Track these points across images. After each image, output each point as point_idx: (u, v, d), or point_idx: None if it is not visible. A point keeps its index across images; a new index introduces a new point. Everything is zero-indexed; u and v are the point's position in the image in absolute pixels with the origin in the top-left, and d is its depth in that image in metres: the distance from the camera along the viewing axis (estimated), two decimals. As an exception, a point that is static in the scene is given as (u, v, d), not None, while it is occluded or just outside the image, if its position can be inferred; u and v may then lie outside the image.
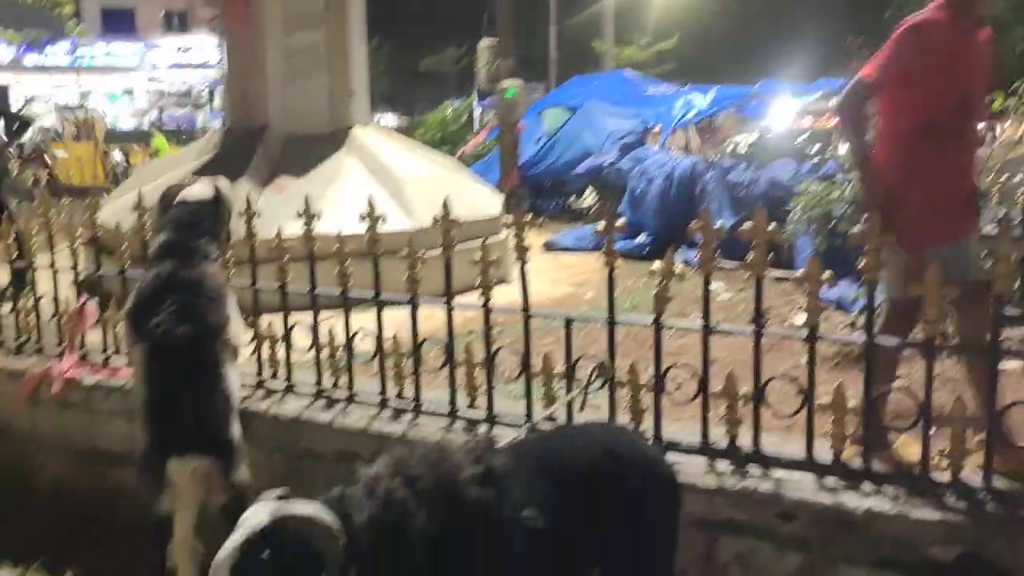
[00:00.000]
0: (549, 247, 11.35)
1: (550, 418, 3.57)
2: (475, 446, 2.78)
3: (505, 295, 4.00)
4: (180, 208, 3.78)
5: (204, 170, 8.88)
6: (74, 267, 4.80)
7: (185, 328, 3.44)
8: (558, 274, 9.74)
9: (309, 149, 9.03)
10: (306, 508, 2.41)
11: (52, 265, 4.87)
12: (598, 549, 2.85)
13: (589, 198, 14.38)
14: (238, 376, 3.69)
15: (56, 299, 4.87)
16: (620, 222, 3.47)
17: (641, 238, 11.06)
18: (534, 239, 12.03)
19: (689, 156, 13.63)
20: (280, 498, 2.52)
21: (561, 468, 2.79)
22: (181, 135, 25.46)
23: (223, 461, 3.39)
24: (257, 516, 2.41)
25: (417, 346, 3.88)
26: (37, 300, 4.98)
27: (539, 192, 15.78)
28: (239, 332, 3.75)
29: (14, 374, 4.81)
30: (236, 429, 3.52)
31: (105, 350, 4.74)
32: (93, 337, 4.83)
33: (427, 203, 4.05)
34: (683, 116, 16.79)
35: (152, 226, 4.17)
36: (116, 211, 6.87)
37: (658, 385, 3.44)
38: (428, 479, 2.61)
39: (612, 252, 3.47)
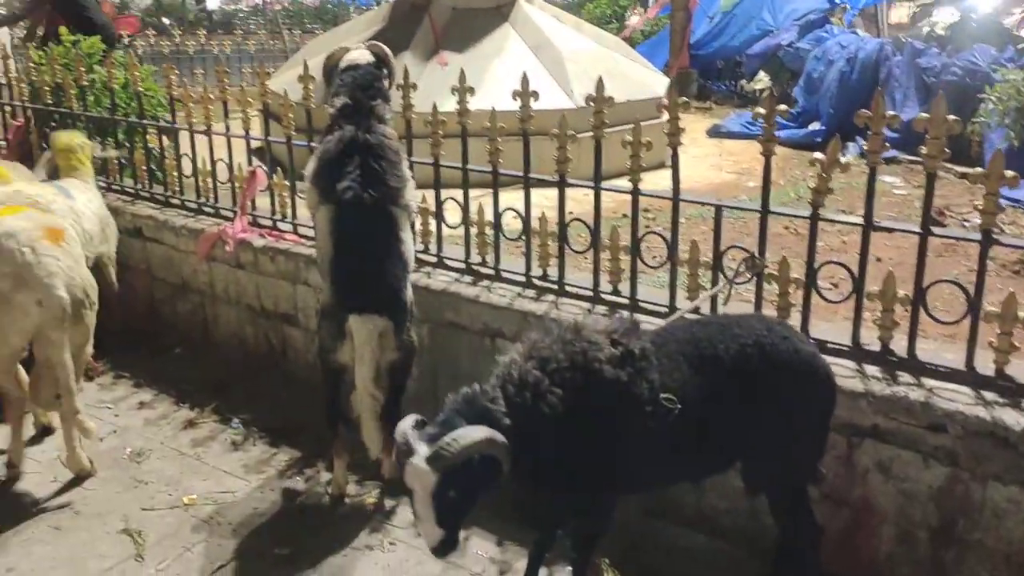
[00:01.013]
0: (714, 132, 10.91)
1: (695, 310, 3.51)
2: (616, 327, 2.77)
3: (664, 181, 3.86)
4: (352, 72, 3.85)
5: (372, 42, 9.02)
6: (247, 134, 5.04)
7: (371, 192, 3.57)
8: (721, 161, 9.40)
9: (474, 22, 8.96)
10: (458, 438, 2.42)
11: (227, 131, 5.13)
12: (741, 442, 2.81)
13: (762, 81, 13.63)
14: (412, 240, 3.82)
15: (230, 164, 5.15)
16: (781, 107, 3.25)
17: (814, 126, 10.46)
18: (699, 123, 11.61)
19: (877, 37, 12.61)
20: (418, 426, 2.57)
21: (707, 356, 2.74)
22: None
23: (397, 321, 3.55)
24: (420, 469, 2.42)
25: (563, 227, 3.86)
26: (214, 164, 5.28)
27: (709, 73, 15.11)
28: (414, 195, 3.87)
29: (194, 232, 5.18)
30: (409, 292, 3.67)
31: (273, 215, 5.00)
32: (262, 202, 5.10)
33: (588, 82, 3.91)
34: (875, -8, 15.48)
35: (319, 91, 4.24)
36: (285, 81, 7.12)
37: (809, 281, 3.29)
38: (562, 360, 2.64)
39: (771, 138, 3.28)
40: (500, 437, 2.48)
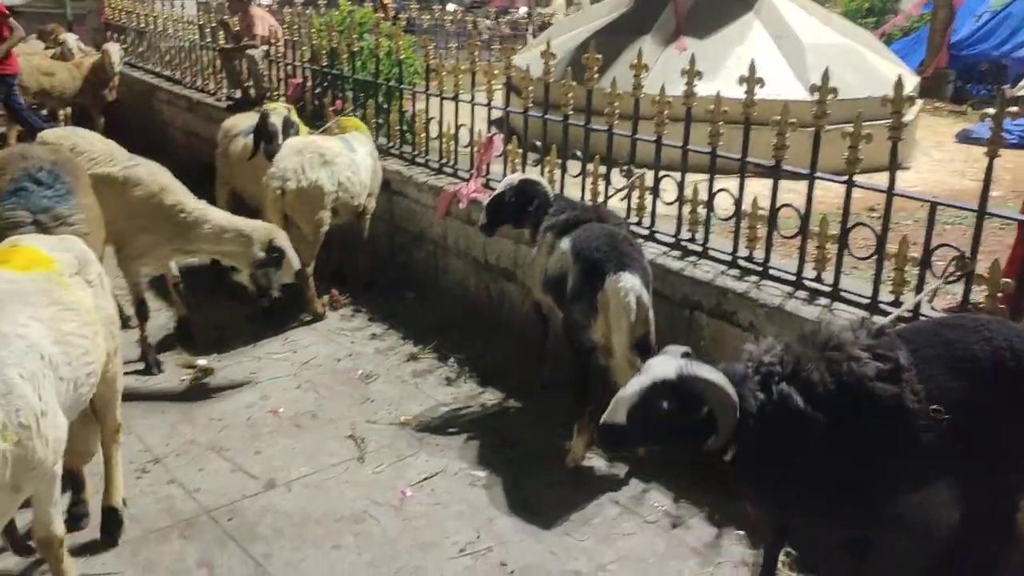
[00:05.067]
0: (964, 137, 10.28)
1: (897, 304, 3.54)
2: (873, 341, 2.70)
3: (898, 182, 3.79)
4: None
5: (614, 25, 9.31)
6: (489, 103, 5.51)
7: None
8: (965, 167, 8.88)
9: (718, 9, 9.02)
10: (713, 374, 2.59)
11: (472, 100, 5.62)
12: (983, 445, 2.73)
13: (1029, 87, 12.58)
14: None
15: (471, 130, 5.64)
16: (1012, 108, 3.20)
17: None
18: (949, 127, 10.97)
19: None
20: (685, 355, 2.75)
21: (963, 358, 2.69)
22: None
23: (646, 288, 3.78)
24: (664, 367, 2.66)
25: (774, 211, 3.99)
26: (457, 129, 5.80)
27: (969, 75, 14.13)
28: None
29: (433, 189, 5.74)
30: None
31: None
32: (496, 167, 5.55)
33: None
34: None
35: (559, 68, 4.53)
36: (529, 57, 7.56)
37: (1021, 285, 3.23)
38: (827, 378, 2.62)
39: (997, 139, 3.25)
40: (735, 400, 2.55)
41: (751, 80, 3.99)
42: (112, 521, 3.35)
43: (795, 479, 2.73)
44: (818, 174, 3.84)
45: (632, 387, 2.64)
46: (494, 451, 4.08)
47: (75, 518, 3.40)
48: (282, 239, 4.82)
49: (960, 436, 2.67)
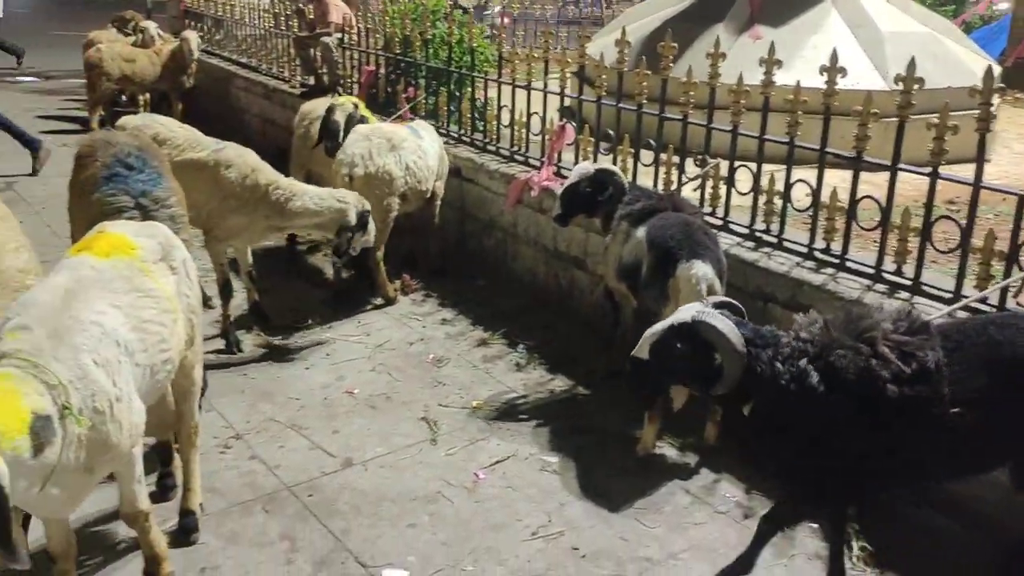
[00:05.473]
0: (1048, 129, 9.92)
1: (981, 300, 3.47)
2: (907, 338, 2.70)
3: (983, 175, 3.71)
4: None
5: (687, 12, 9.21)
6: (561, 92, 5.52)
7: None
8: (1051, 160, 8.60)
9: (794, -3, 8.85)
10: (723, 324, 2.76)
11: (544, 88, 5.64)
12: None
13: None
14: None
15: (543, 119, 5.66)
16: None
17: None
18: (1032, 119, 10.60)
19: None
20: (718, 305, 2.93)
21: (1006, 359, 2.66)
22: None
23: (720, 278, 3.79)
24: (686, 312, 2.88)
25: (853, 202, 3.94)
26: (529, 117, 5.83)
27: (1055, 65, 13.61)
28: None
29: (504, 176, 5.78)
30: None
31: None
32: (567, 155, 5.56)
33: (906, 64, 3.83)
34: None
35: (631, 57, 4.56)
36: (601, 46, 7.54)
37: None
38: (850, 369, 2.66)
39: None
40: (740, 351, 2.71)
41: (832, 70, 3.94)
42: (188, 524, 3.32)
43: (802, 453, 2.81)
44: (901, 166, 3.78)
45: (657, 326, 2.90)
46: (564, 437, 4.12)
47: (163, 489, 3.55)
48: (368, 206, 4.98)
49: (1002, 435, 2.67)
